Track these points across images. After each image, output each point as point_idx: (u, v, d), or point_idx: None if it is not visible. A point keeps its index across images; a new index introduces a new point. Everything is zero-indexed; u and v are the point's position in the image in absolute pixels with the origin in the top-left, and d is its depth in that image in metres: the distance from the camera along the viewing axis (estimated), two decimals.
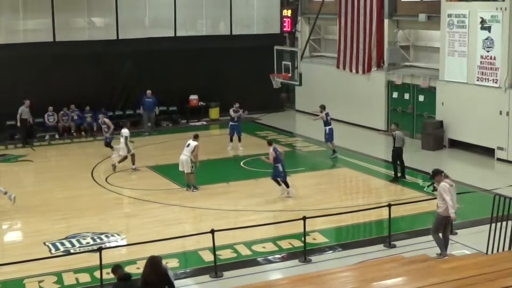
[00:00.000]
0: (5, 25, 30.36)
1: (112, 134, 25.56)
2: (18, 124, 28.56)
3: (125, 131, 24.09)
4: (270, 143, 21.27)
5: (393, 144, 22.48)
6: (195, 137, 21.87)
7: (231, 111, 27.26)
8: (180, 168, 21.66)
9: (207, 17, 34.54)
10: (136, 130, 30.73)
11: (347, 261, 15.24)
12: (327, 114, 25.52)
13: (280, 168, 20.66)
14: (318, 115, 26.14)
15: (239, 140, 27.14)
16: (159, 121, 32.42)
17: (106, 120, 26.05)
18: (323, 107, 25.86)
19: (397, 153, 22.43)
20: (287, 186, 20.72)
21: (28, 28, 30.88)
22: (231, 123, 27.20)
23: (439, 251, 15.13)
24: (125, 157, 24.07)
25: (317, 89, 33.13)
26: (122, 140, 24.00)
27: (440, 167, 24.35)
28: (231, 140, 27.14)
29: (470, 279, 11.42)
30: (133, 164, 24.06)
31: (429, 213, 18.09)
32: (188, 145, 21.68)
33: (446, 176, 15.28)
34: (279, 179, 20.81)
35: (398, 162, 22.52)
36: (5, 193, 19.99)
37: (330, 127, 25.53)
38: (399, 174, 22.45)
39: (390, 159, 22.80)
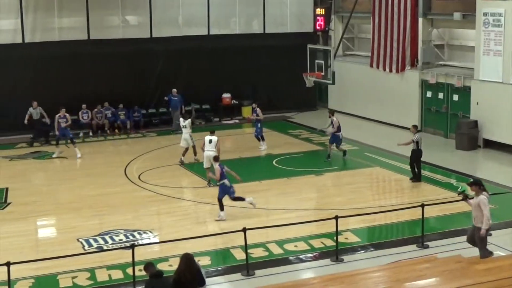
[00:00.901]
0: (40, 24, 30.64)
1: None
2: (25, 121, 28.64)
3: (187, 122, 24.51)
4: (216, 158, 19.67)
5: (416, 146, 21.94)
6: (213, 132, 22.41)
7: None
8: (206, 165, 21.75)
9: (240, 15, 34.55)
10: (170, 128, 30.96)
11: (379, 261, 15.16)
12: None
13: (227, 184, 18.91)
14: (327, 129, 25.89)
15: (258, 139, 27.11)
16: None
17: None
18: (332, 113, 25.68)
19: (418, 156, 22.09)
20: (222, 209, 18.83)
21: (63, 26, 31.14)
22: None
23: (476, 253, 14.64)
24: (187, 149, 24.46)
25: (350, 88, 33.04)
26: (186, 130, 24.41)
27: (474, 167, 24.44)
28: (257, 139, 27.18)
29: (504, 280, 11.31)
30: (195, 154, 24.70)
31: (463, 213, 17.96)
32: (210, 141, 21.96)
33: (484, 189, 14.66)
34: (230, 196, 18.99)
35: (416, 165, 22.09)
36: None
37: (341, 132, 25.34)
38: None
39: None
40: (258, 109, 27.09)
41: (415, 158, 22.04)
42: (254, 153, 26.32)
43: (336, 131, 25.05)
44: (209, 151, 21.73)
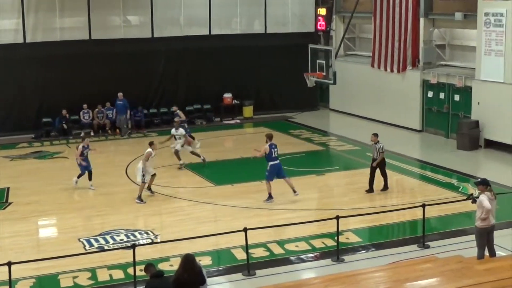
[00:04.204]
0: (42, 23, 30.66)
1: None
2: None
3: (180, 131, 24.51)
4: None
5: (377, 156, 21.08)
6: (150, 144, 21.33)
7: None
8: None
9: (242, 16, 34.55)
10: (171, 128, 30.95)
11: (380, 261, 15.18)
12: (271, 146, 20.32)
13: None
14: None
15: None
16: (192, 119, 32.56)
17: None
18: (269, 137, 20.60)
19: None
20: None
21: (64, 27, 31.15)
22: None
23: (475, 254, 14.64)
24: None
25: (352, 88, 33.05)
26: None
27: (475, 168, 24.44)
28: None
29: (505, 281, 11.30)
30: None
31: (464, 214, 17.99)
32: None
33: (490, 191, 14.55)
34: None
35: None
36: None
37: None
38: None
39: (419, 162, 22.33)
40: (178, 111, 27.49)
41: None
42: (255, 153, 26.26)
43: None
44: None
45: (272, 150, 19.77)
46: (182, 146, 24.35)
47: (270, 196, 19.98)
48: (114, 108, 30.88)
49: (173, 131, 24.53)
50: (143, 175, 20.56)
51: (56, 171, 24.68)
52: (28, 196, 21.48)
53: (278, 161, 19.98)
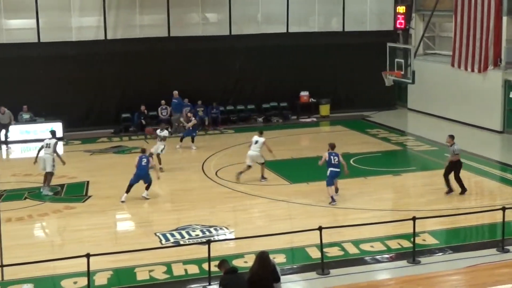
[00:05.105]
0: (122, 21, 31.22)
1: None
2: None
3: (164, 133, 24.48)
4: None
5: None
6: (261, 133, 22.54)
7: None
8: (249, 163, 22.13)
9: (320, 13, 34.43)
10: (248, 125, 31.25)
11: (457, 264, 14.91)
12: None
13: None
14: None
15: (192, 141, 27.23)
16: (269, 117, 32.68)
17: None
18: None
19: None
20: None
21: (144, 24, 31.67)
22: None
23: None
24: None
25: (430, 88, 32.58)
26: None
27: None
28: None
29: None
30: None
31: None
32: (257, 142, 22.17)
33: None
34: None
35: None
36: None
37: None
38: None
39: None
40: (189, 113, 27.88)
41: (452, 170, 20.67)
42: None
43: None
44: (253, 152, 22.11)
45: (331, 157, 20.11)
46: (162, 150, 24.16)
47: (332, 199, 19.90)
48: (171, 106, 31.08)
49: (158, 131, 24.52)
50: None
51: (134, 166, 25.00)
52: (106, 189, 21.89)
53: (337, 169, 20.08)
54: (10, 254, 15.32)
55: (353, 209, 19.33)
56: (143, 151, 21.36)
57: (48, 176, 21.40)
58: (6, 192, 21.43)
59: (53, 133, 22.18)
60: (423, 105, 33.58)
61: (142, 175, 20.45)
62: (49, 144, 21.36)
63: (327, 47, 33.54)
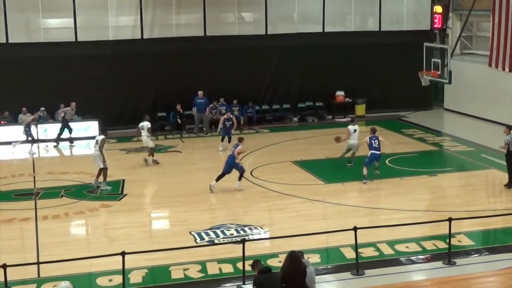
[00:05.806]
0: (158, 20, 31.39)
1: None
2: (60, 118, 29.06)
3: (146, 124, 24.68)
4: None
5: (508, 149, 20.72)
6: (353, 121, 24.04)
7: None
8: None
9: (356, 13, 34.31)
10: (283, 124, 31.25)
11: (493, 266, 14.74)
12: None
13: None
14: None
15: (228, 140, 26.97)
16: (304, 116, 32.65)
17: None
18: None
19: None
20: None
21: (180, 23, 31.80)
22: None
23: None
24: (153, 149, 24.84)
25: (467, 88, 32.27)
26: (144, 133, 24.59)
27: None
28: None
29: None
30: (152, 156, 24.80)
31: None
32: (355, 130, 23.53)
33: None
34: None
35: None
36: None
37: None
38: None
39: None
40: (231, 115, 27.71)
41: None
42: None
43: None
44: (352, 140, 23.63)
45: (372, 141, 21.90)
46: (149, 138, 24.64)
47: (365, 177, 21.68)
48: (194, 106, 30.89)
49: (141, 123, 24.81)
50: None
51: (170, 165, 25.19)
52: (142, 188, 22.06)
53: (378, 152, 21.85)
54: (46, 251, 15.52)
55: (388, 210, 19.23)
56: (241, 139, 21.91)
57: (104, 171, 21.64)
58: (43, 190, 21.70)
59: (103, 130, 22.50)
60: (459, 105, 33.28)
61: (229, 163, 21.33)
62: (98, 140, 21.68)
63: (363, 46, 33.37)
